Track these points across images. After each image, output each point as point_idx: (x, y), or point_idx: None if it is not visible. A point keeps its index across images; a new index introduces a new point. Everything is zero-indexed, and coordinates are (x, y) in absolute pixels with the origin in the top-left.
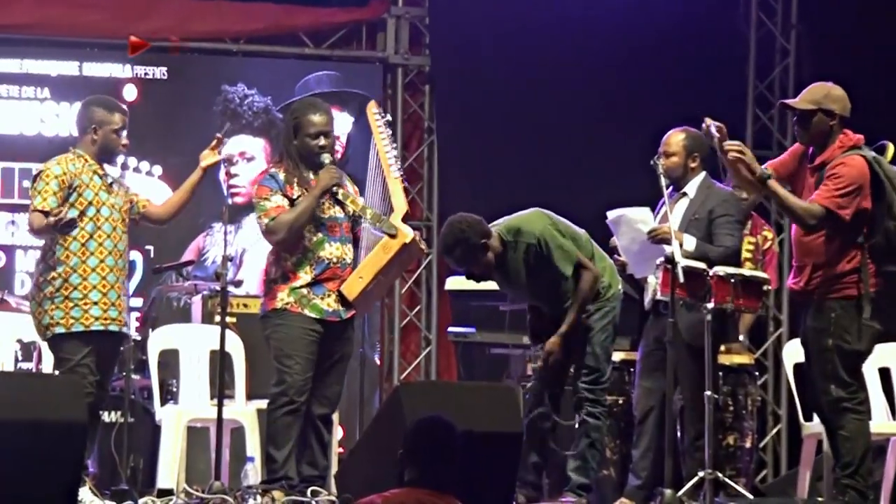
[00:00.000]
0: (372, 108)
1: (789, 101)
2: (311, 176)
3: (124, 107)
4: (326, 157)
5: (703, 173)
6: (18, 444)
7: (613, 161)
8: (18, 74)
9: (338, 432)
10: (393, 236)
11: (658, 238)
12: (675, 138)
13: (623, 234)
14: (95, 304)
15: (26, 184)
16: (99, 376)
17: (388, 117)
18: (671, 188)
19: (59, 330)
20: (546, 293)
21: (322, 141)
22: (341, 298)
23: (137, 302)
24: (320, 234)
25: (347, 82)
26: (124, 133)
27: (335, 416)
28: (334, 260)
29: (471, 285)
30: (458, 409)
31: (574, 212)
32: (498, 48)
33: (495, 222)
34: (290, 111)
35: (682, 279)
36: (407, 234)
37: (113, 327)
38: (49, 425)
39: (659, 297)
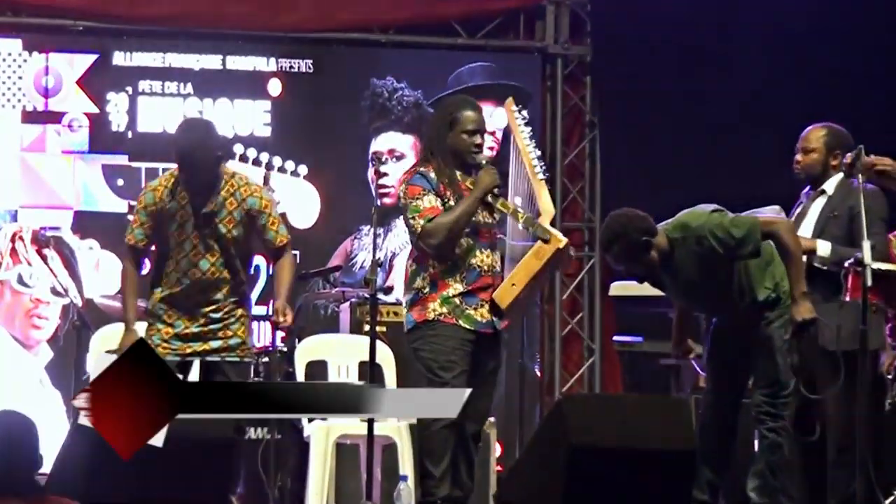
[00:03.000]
0: (510, 105)
1: None
2: (460, 177)
3: (197, 140)
4: (483, 158)
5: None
6: (175, 457)
7: (790, 156)
8: (161, 69)
9: (496, 449)
10: (546, 241)
11: None
12: (816, 134)
13: None
14: (159, 331)
15: None
16: None
17: (526, 113)
18: (808, 187)
19: None
20: (722, 292)
21: (478, 139)
22: (493, 307)
23: None
24: (470, 240)
25: (503, 74)
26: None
27: (493, 433)
28: (485, 268)
29: (637, 291)
30: (625, 423)
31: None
32: (665, 36)
33: (662, 223)
34: (442, 105)
35: (869, 282)
36: (561, 238)
37: (171, 357)
38: (198, 440)
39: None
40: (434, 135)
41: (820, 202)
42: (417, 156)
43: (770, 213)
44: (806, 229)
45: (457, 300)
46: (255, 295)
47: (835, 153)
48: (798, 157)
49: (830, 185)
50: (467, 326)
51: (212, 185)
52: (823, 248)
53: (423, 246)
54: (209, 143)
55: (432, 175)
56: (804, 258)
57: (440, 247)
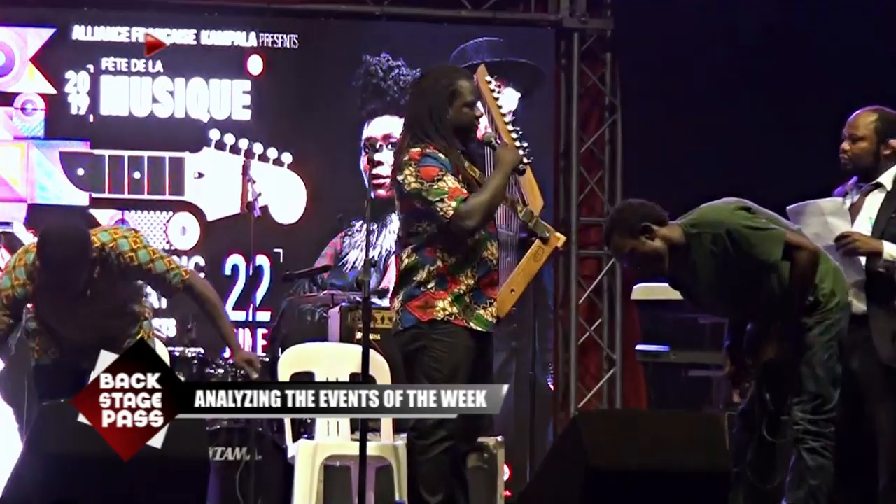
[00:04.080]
0: (483, 75)
1: None
2: (460, 159)
3: None
4: (492, 136)
5: None
6: (141, 480)
7: (823, 148)
8: (127, 44)
9: (504, 472)
10: (545, 240)
11: (849, 248)
12: (865, 119)
13: (809, 226)
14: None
15: (137, 175)
16: None
17: (498, 83)
18: (856, 179)
19: None
20: (743, 296)
21: (477, 111)
22: None
23: (265, 316)
24: (483, 231)
25: (513, 51)
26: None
27: (500, 453)
28: (494, 261)
29: (663, 294)
30: (649, 443)
31: (781, 207)
32: (694, 8)
33: (681, 217)
34: (435, 77)
35: None
36: (560, 237)
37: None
38: (170, 461)
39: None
40: (431, 110)
41: (876, 197)
42: None
43: (830, 206)
44: (862, 228)
45: (467, 298)
46: (232, 298)
47: (887, 142)
48: (845, 144)
49: (888, 179)
50: (478, 328)
51: (86, 282)
52: (891, 249)
53: (456, 230)
54: (84, 258)
55: (442, 156)
56: (863, 260)
57: (476, 229)
